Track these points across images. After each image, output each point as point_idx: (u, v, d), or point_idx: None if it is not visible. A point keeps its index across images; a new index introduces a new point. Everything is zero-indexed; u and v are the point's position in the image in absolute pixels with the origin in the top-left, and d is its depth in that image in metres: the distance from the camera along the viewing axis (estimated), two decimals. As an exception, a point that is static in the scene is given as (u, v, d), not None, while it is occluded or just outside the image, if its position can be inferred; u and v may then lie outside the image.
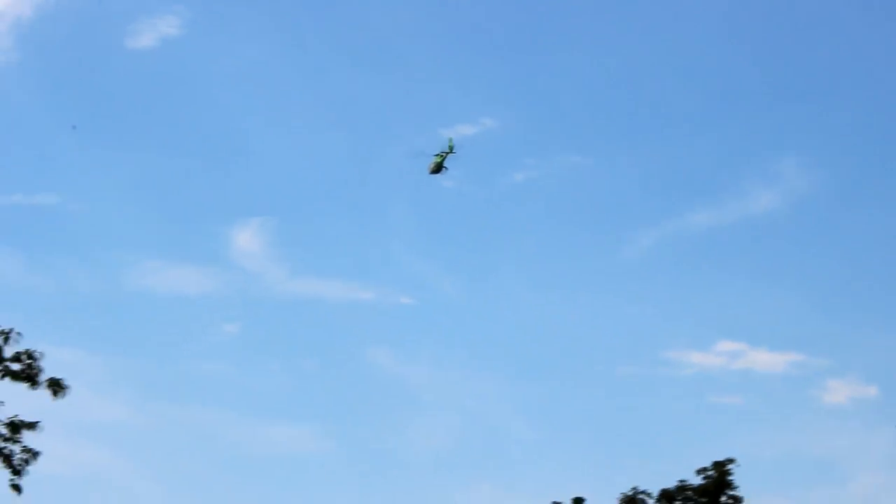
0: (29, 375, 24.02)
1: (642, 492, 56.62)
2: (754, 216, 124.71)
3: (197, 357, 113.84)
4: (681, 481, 55.85)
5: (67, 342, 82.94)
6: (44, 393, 23.83)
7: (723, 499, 55.98)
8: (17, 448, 24.13)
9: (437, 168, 22.25)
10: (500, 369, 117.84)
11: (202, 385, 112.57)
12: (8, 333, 23.63)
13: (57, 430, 24.31)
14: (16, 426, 24.07)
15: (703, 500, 55.88)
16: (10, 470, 24.04)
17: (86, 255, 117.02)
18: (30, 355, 23.83)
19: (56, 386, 23.74)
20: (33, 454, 23.99)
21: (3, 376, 23.98)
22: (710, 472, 55.81)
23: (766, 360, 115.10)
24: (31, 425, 24.18)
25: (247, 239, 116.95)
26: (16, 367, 23.95)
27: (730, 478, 55.74)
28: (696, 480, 55.87)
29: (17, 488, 23.97)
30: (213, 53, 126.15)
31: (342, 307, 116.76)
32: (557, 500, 57.47)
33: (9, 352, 23.98)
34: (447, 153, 20.35)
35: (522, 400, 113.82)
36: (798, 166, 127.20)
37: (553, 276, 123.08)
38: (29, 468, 24.05)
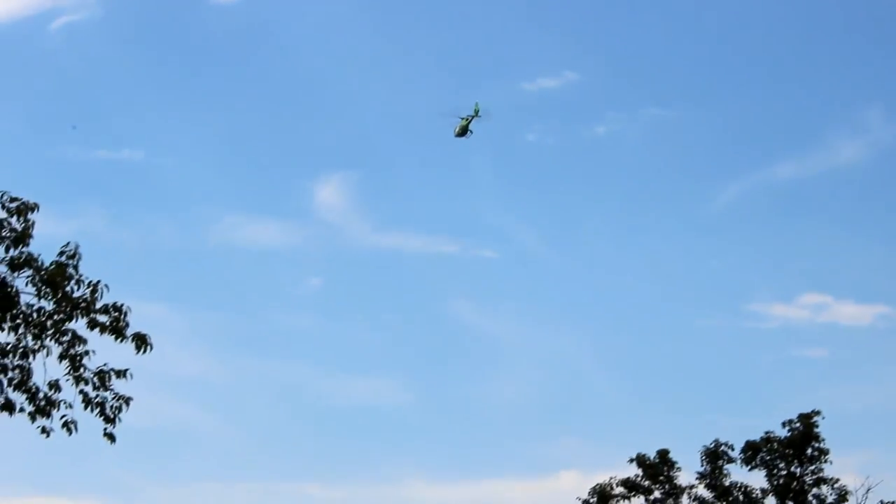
0: (116, 328, 24.14)
1: (726, 444, 56.40)
2: (840, 167, 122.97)
3: (281, 311, 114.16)
4: (766, 433, 55.42)
5: (152, 297, 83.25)
6: (130, 347, 23.98)
7: (808, 451, 55.45)
8: (108, 395, 24.32)
9: (463, 131, 22.27)
10: (583, 321, 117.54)
11: (286, 339, 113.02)
12: (97, 286, 23.78)
13: (143, 384, 24.44)
14: (107, 374, 24.23)
15: (789, 452, 55.44)
16: (102, 418, 24.24)
17: (170, 209, 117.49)
18: (117, 308, 23.94)
19: (141, 341, 23.85)
20: (125, 400, 24.17)
21: (92, 328, 24.15)
22: (795, 425, 55.22)
23: (851, 313, 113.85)
24: (121, 373, 24.35)
25: (330, 193, 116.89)
26: (104, 319, 24.08)
27: (816, 430, 55.22)
28: (782, 433, 55.45)
29: (110, 437, 24.16)
30: (296, 6, 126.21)
31: (425, 260, 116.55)
32: (642, 451, 57.38)
33: (97, 304, 24.12)
34: (473, 117, 20.49)
35: (605, 352, 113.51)
36: (884, 117, 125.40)
37: (635, 229, 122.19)
38: (121, 416, 24.24)
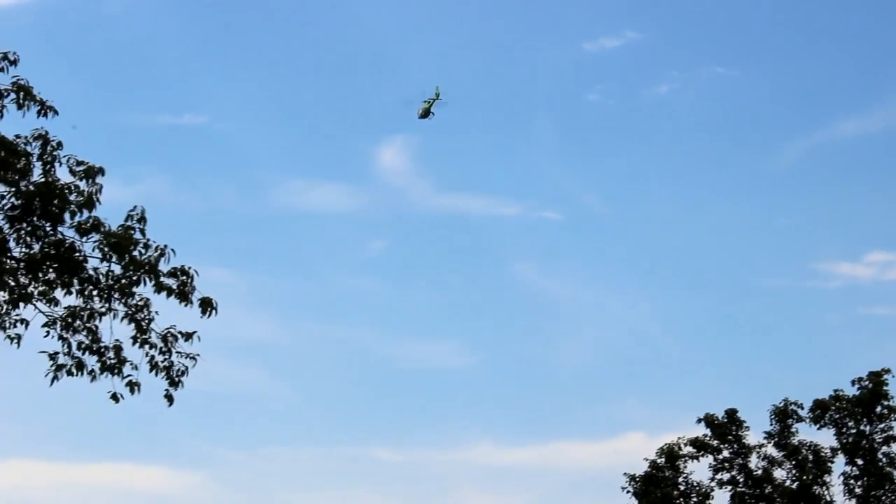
0: (182, 292, 24.06)
1: (795, 403, 55.82)
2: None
3: (344, 275, 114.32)
4: (835, 391, 54.84)
5: (216, 261, 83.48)
6: (195, 311, 23.92)
7: (878, 409, 54.86)
8: (174, 358, 24.26)
9: (425, 113, 22.44)
10: (647, 282, 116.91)
11: (350, 303, 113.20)
12: (163, 249, 23.68)
13: (208, 349, 24.38)
14: (173, 337, 24.17)
15: (858, 410, 54.82)
16: (167, 380, 24.19)
17: (233, 174, 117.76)
18: (184, 272, 23.87)
19: (207, 304, 23.76)
20: (192, 358, 24.10)
21: (158, 291, 24.07)
22: (865, 383, 54.59)
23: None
24: (188, 336, 24.29)
25: (392, 155, 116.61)
26: (170, 282, 24.01)
27: (885, 388, 54.56)
28: (851, 391, 54.85)
29: (169, 398, 24.11)
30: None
31: (487, 222, 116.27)
32: (710, 412, 56.97)
33: (164, 268, 24.04)
34: (434, 100, 20.68)
35: (669, 312, 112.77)
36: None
37: (699, 189, 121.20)
38: (187, 377, 24.18)
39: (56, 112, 23.01)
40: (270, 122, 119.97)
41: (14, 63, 22.80)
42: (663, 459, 56.38)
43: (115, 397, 23.68)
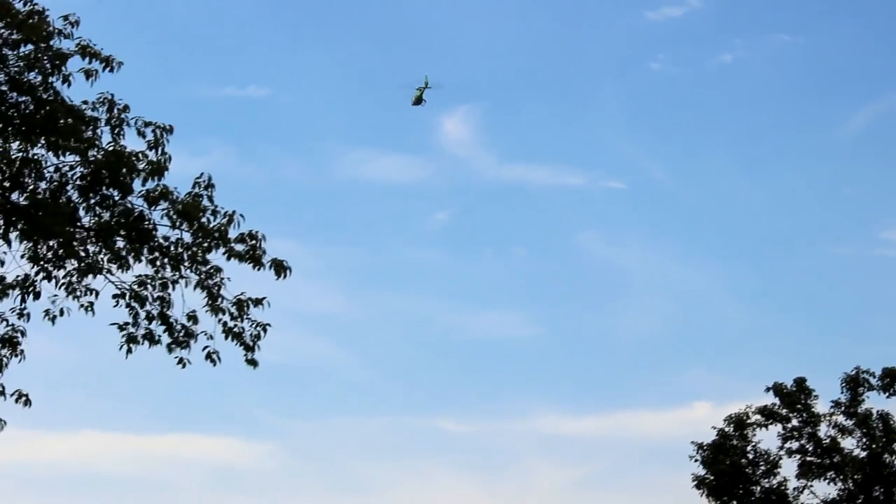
0: (254, 256, 23.93)
1: (867, 371, 55.21)
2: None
3: (409, 245, 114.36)
4: (906, 359, 54.13)
5: (281, 232, 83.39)
6: (265, 277, 23.81)
7: (949, 377, 54.25)
8: (246, 325, 24.12)
9: (418, 101, 22.49)
10: (712, 251, 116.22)
11: (415, 273, 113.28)
12: (231, 215, 23.56)
13: (275, 319, 24.26)
14: (245, 303, 24.04)
15: (930, 378, 54.21)
16: (242, 347, 24.07)
17: (297, 146, 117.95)
18: (253, 236, 23.73)
19: (280, 267, 23.59)
20: (263, 327, 23.97)
21: (229, 257, 23.95)
22: (936, 350, 53.96)
23: None
24: (259, 302, 24.15)
25: (455, 126, 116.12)
26: (240, 247, 23.87)
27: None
28: (922, 359, 54.13)
29: (252, 363, 23.94)
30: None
31: (551, 192, 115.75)
32: (777, 380, 56.49)
33: (232, 234, 23.92)
34: (424, 88, 20.80)
35: (736, 282, 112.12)
36: None
37: (765, 157, 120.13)
38: (260, 343, 24.06)
39: (121, 64, 22.76)
40: (334, 93, 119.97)
41: (75, 24, 22.58)
42: (732, 428, 55.86)
43: (181, 362, 23.53)
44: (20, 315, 24.78)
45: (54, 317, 23.96)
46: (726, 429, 55.93)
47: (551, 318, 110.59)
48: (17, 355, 28.08)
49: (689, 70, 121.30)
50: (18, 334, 26.37)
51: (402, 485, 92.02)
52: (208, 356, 23.38)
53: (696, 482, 55.26)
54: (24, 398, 29.33)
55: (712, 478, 55.00)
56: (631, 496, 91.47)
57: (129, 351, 23.29)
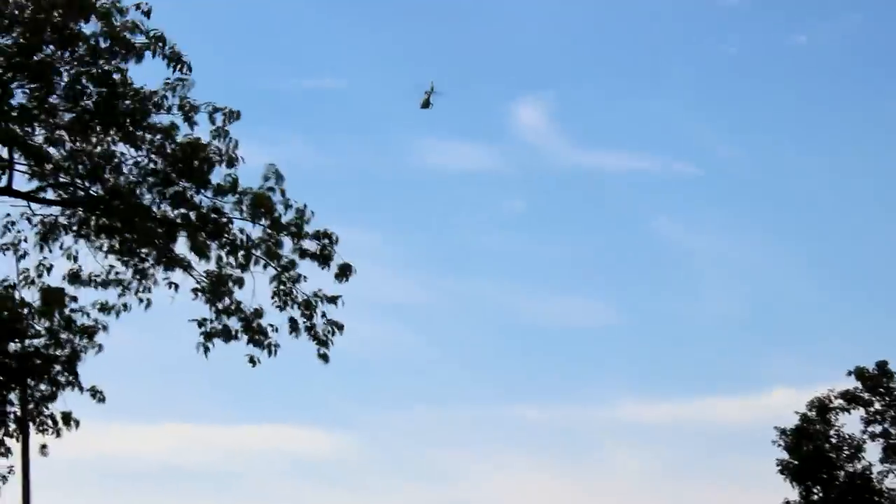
0: (324, 255, 23.47)
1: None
2: None
3: (483, 233, 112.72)
4: None
5: (354, 222, 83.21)
6: (332, 274, 23.37)
7: None
8: (319, 322, 23.66)
9: (426, 104, 22.15)
10: (790, 234, 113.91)
11: (489, 260, 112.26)
12: (303, 210, 23.06)
13: (351, 308, 23.71)
14: (317, 300, 23.59)
15: None
16: (315, 342, 23.62)
17: (371, 135, 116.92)
18: (326, 235, 23.24)
19: (344, 270, 23.14)
20: (338, 327, 23.53)
21: (301, 256, 23.47)
22: None
23: None
24: (333, 300, 23.67)
25: (528, 113, 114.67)
26: (311, 245, 23.41)
27: None
28: None
29: (324, 357, 23.49)
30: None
31: (625, 177, 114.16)
32: (860, 364, 55.72)
33: (305, 229, 23.45)
34: (431, 92, 20.63)
35: (815, 264, 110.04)
36: None
37: (838, 139, 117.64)
38: (334, 339, 23.59)
39: (190, 69, 22.23)
40: (408, 83, 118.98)
41: (147, 14, 22.05)
42: (814, 413, 55.05)
43: (252, 361, 23.09)
44: (102, 309, 24.57)
45: (128, 307, 23.65)
46: (809, 414, 55.07)
47: (628, 304, 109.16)
48: (94, 347, 27.94)
49: (762, 51, 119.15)
50: (100, 327, 26.14)
51: (482, 473, 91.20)
52: (268, 348, 22.90)
53: (780, 467, 54.47)
54: (98, 394, 29.32)
55: (796, 462, 54.16)
56: (711, 483, 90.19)
57: (207, 349, 22.78)
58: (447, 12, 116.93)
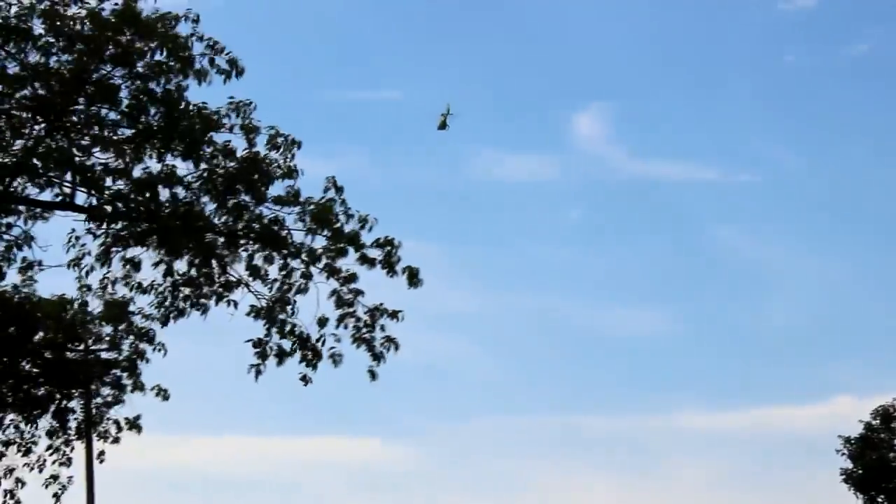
0: (388, 262, 23.35)
1: None
2: None
3: (543, 243, 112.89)
4: None
5: (413, 233, 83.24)
6: (398, 282, 23.19)
7: None
8: (378, 335, 23.51)
9: (442, 125, 22.03)
10: (850, 243, 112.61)
11: (550, 271, 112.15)
12: (365, 218, 22.99)
13: (411, 320, 23.39)
14: (378, 314, 23.47)
15: None
16: (371, 355, 23.50)
17: (429, 147, 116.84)
18: (389, 242, 23.14)
19: (413, 275, 22.98)
20: (395, 344, 23.37)
21: (363, 263, 23.38)
22: None
23: None
24: (394, 314, 23.51)
25: (586, 123, 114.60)
26: (374, 253, 23.30)
27: None
28: None
29: (372, 374, 23.36)
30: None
31: (685, 187, 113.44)
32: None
33: (366, 238, 23.38)
34: (447, 114, 20.63)
35: (875, 273, 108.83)
36: None
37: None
38: (388, 355, 23.45)
39: (241, 73, 22.24)
40: (465, 94, 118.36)
41: (196, 21, 22.11)
42: (878, 421, 54.42)
43: (304, 379, 22.96)
44: (163, 323, 24.60)
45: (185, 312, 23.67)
46: (873, 422, 54.42)
47: (690, 313, 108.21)
48: (158, 348, 28.04)
49: (822, 61, 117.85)
50: (157, 328, 26.16)
51: (544, 484, 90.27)
52: (332, 357, 22.74)
53: (843, 476, 53.84)
54: (162, 392, 29.42)
55: (860, 471, 53.53)
56: (774, 491, 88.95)
57: (259, 373, 22.59)
58: (505, 25, 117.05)
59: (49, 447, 30.41)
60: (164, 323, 23.91)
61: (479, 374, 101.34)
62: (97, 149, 22.28)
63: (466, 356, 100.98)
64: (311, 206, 22.48)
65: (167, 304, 23.77)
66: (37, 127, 22.18)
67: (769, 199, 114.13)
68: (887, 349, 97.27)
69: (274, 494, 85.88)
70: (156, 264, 23.54)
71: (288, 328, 22.69)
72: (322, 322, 22.79)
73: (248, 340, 22.79)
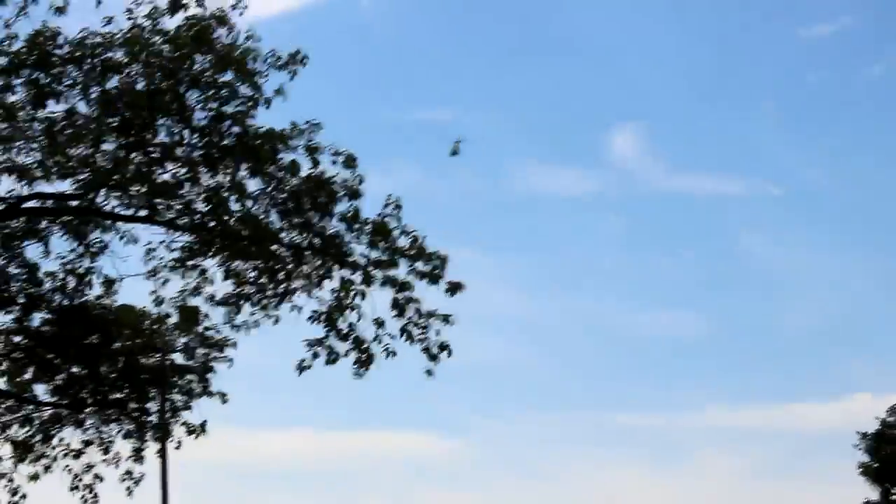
0: (433, 275, 24.12)
1: None
2: None
3: (585, 251, 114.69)
4: None
5: (464, 243, 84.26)
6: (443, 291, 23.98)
7: None
8: (432, 337, 24.20)
9: (455, 151, 22.71)
10: (868, 249, 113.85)
11: (592, 277, 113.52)
12: (417, 236, 23.71)
13: (463, 322, 24.24)
14: (431, 318, 24.17)
15: None
16: (427, 356, 24.18)
17: (480, 163, 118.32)
18: (439, 257, 23.93)
19: (455, 287, 23.77)
20: (446, 349, 24.09)
21: (414, 276, 24.12)
22: None
23: None
24: (446, 318, 24.23)
25: (624, 141, 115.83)
26: (425, 267, 24.07)
27: None
28: None
29: (429, 373, 24.04)
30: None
31: (716, 199, 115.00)
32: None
33: (420, 252, 24.09)
34: (458, 143, 21.45)
35: (892, 277, 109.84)
36: None
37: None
38: (442, 356, 24.16)
39: (297, 71, 22.94)
40: (512, 113, 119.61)
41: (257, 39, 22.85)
42: (893, 418, 54.93)
43: (358, 374, 23.49)
44: (232, 326, 25.29)
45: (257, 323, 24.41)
46: (888, 419, 54.92)
47: (719, 316, 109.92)
48: (226, 361, 28.94)
49: (841, 80, 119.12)
50: (230, 342, 26.98)
51: (583, 474, 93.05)
52: (386, 350, 23.36)
53: (861, 469, 54.34)
54: (223, 397, 30.45)
55: (876, 465, 54.00)
56: (796, 483, 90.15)
57: (304, 369, 23.24)
58: (548, 51, 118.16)
59: (132, 449, 31.27)
60: (240, 328, 24.73)
61: (528, 373, 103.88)
62: (171, 165, 22.94)
63: (515, 356, 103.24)
64: (371, 223, 23.16)
65: (238, 315, 24.47)
66: (117, 145, 22.78)
67: (793, 209, 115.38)
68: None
69: (336, 484, 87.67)
70: (225, 274, 24.17)
71: (345, 331, 23.21)
72: (379, 323, 23.39)
73: (305, 341, 23.47)
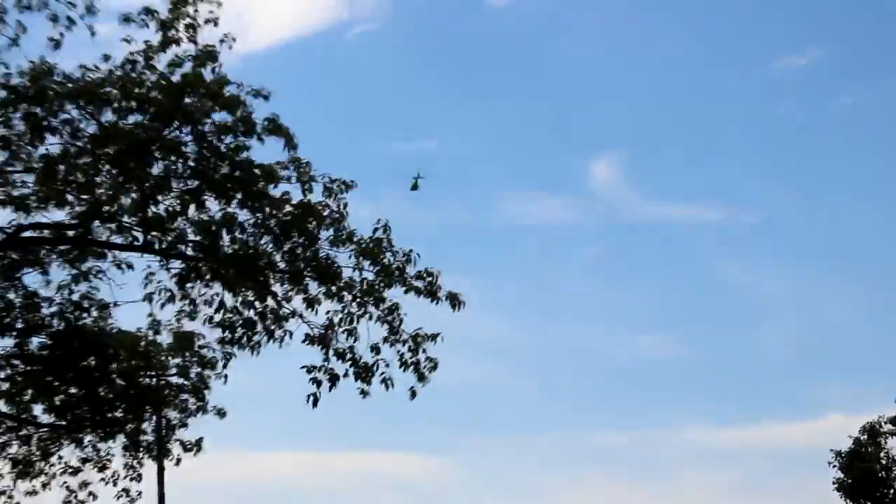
0: (431, 291, 24.31)
1: None
2: None
3: (565, 278, 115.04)
4: None
5: (448, 268, 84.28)
6: (439, 310, 24.13)
7: None
8: (422, 357, 24.36)
9: (414, 187, 22.67)
10: (841, 274, 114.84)
11: (570, 303, 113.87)
12: (409, 254, 23.96)
13: (450, 347, 24.46)
14: (421, 338, 24.34)
15: None
16: (416, 375, 24.31)
17: (461, 191, 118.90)
18: (429, 273, 24.16)
19: (454, 299, 23.97)
20: (434, 364, 24.25)
21: (407, 292, 24.27)
22: None
23: None
24: (434, 337, 24.41)
25: (602, 170, 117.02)
26: (419, 283, 24.27)
27: None
28: None
29: (413, 393, 24.21)
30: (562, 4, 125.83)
31: (691, 227, 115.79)
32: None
33: (411, 271, 24.33)
34: (418, 178, 21.38)
35: (864, 302, 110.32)
36: None
37: (887, 191, 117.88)
38: (430, 375, 24.30)
39: (296, 147, 23.20)
40: (492, 143, 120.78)
41: (266, 98, 23.04)
42: (866, 436, 55.12)
43: (363, 393, 23.59)
44: (225, 343, 25.21)
45: (252, 347, 24.30)
46: (861, 437, 55.13)
47: (696, 340, 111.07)
48: (220, 377, 28.97)
49: (811, 112, 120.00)
50: (223, 359, 27.05)
51: (565, 493, 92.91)
52: (384, 381, 23.44)
53: (836, 485, 54.57)
54: (220, 412, 30.48)
55: (850, 481, 54.21)
56: (774, 500, 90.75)
57: (316, 400, 22.95)
58: (528, 84, 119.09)
59: (124, 465, 31.36)
60: (228, 360, 24.78)
61: (510, 395, 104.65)
62: (164, 197, 23.05)
63: (498, 378, 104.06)
64: (362, 244, 23.32)
65: (231, 339, 24.44)
66: (111, 179, 22.91)
67: (767, 237, 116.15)
68: (874, 372, 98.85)
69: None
70: (217, 306, 24.06)
71: (343, 352, 23.27)
72: (376, 349, 23.52)
73: (303, 367, 23.38)
